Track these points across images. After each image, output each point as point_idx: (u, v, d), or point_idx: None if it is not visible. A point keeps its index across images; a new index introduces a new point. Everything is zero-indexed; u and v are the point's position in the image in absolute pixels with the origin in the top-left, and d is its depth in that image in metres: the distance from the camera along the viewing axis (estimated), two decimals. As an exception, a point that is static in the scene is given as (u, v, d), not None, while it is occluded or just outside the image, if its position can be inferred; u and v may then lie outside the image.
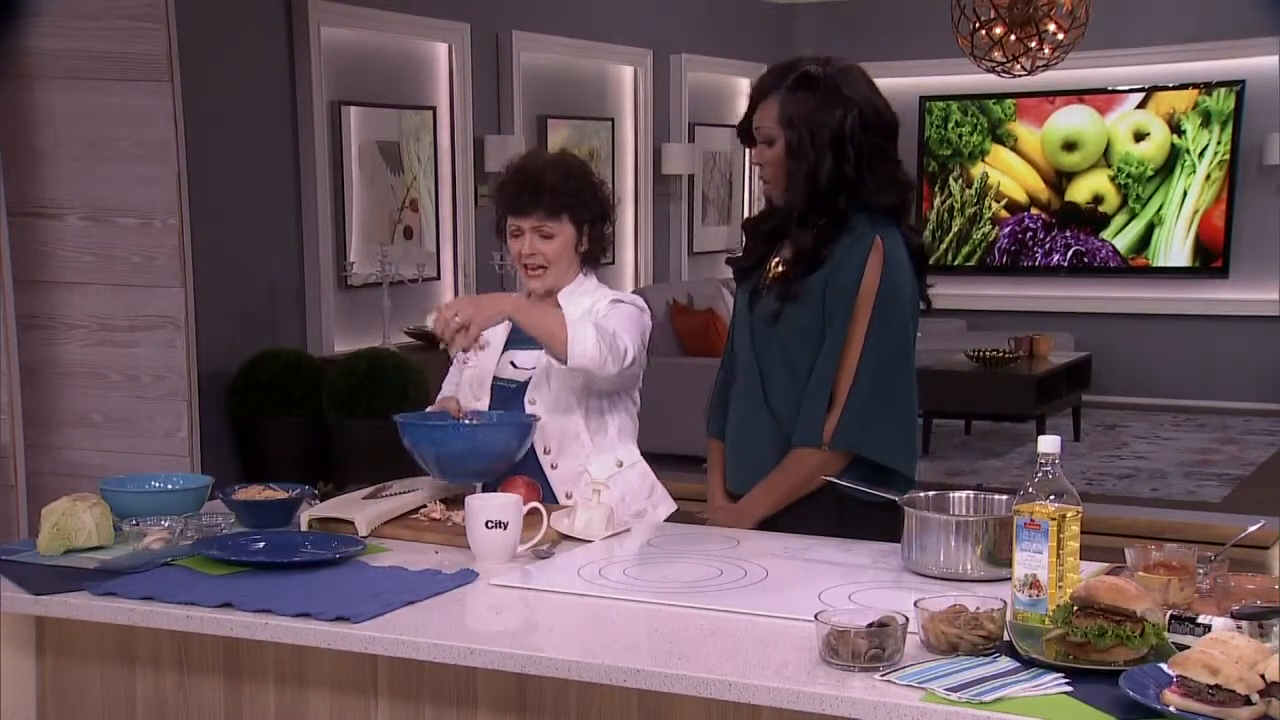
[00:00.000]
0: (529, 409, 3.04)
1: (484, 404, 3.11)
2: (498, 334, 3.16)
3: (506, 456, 2.91)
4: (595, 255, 3.13)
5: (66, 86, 4.56)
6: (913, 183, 2.98)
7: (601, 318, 3.00)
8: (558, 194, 3.02)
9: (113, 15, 4.49)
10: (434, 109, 7.65)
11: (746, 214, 10.37)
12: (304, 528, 2.80)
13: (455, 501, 2.88)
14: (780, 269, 2.92)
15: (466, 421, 3.00)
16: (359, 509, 2.79)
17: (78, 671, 2.61)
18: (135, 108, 4.53)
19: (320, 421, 6.23)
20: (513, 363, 3.11)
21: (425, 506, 2.87)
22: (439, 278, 7.71)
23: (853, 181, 2.82)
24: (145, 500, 2.87)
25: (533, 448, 3.03)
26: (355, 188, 7.14)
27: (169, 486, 2.97)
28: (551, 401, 3.03)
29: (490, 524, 2.58)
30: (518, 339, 3.12)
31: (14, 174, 4.54)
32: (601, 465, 3.03)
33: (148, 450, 4.57)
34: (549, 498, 2.99)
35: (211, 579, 2.48)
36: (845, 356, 2.82)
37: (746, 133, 2.95)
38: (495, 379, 3.12)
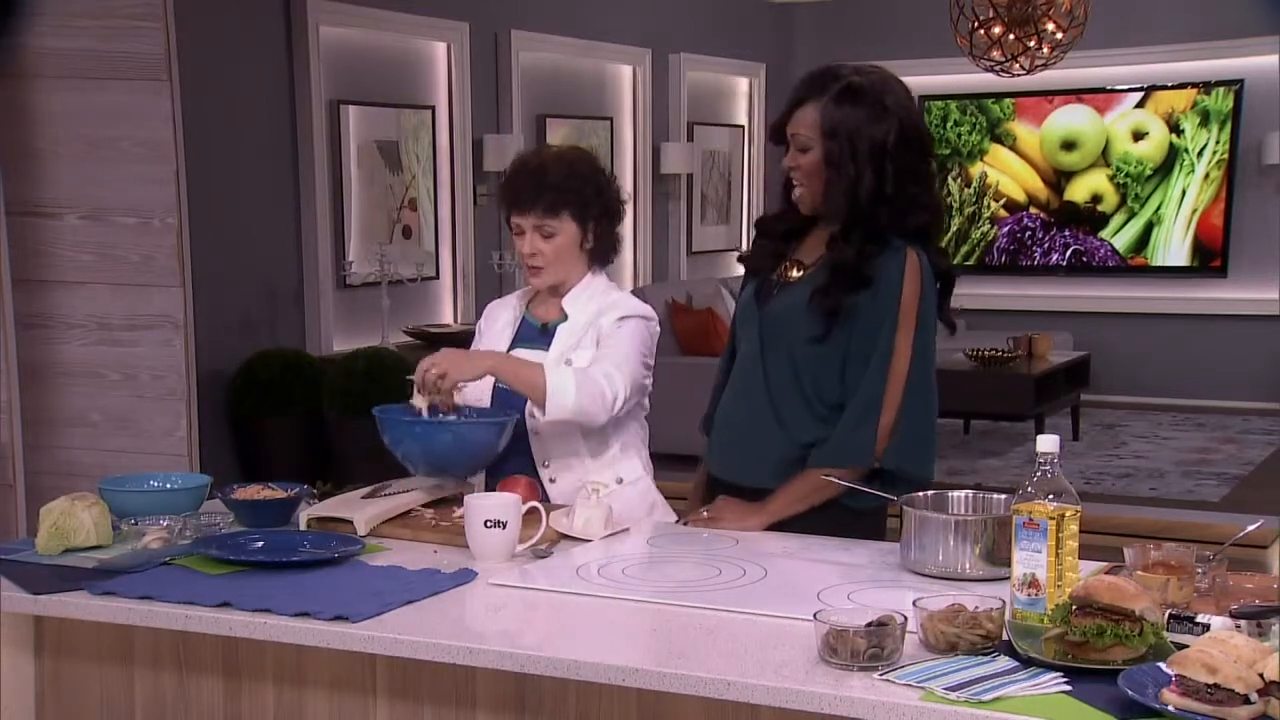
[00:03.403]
0: (529, 421, 3.00)
1: (484, 405, 3.08)
2: (505, 330, 3.14)
3: (488, 452, 2.91)
4: (604, 254, 3.08)
5: (65, 86, 4.55)
6: (943, 205, 2.94)
7: (603, 337, 2.97)
8: (558, 190, 2.96)
9: (111, 15, 4.49)
10: (433, 108, 7.65)
11: (746, 213, 10.42)
12: (303, 527, 2.80)
13: (443, 503, 2.90)
14: (797, 274, 2.89)
15: (449, 417, 2.93)
16: (358, 508, 2.79)
17: (77, 671, 2.61)
18: (134, 107, 4.52)
19: (319, 421, 6.23)
20: None
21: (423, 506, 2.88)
22: (438, 277, 7.71)
23: (891, 198, 2.79)
24: (144, 500, 2.87)
25: (532, 460, 3.02)
26: (354, 187, 7.14)
27: (168, 486, 2.97)
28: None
29: (489, 523, 2.58)
30: (526, 336, 3.10)
31: (13, 173, 4.54)
32: (601, 481, 2.98)
33: (146, 450, 4.57)
34: None
35: (210, 578, 2.48)
36: (893, 374, 2.79)
37: (779, 134, 2.90)
38: (498, 381, 3.09)
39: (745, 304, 2.99)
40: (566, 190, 2.98)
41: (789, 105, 2.88)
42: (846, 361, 2.81)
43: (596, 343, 2.99)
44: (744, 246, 9.95)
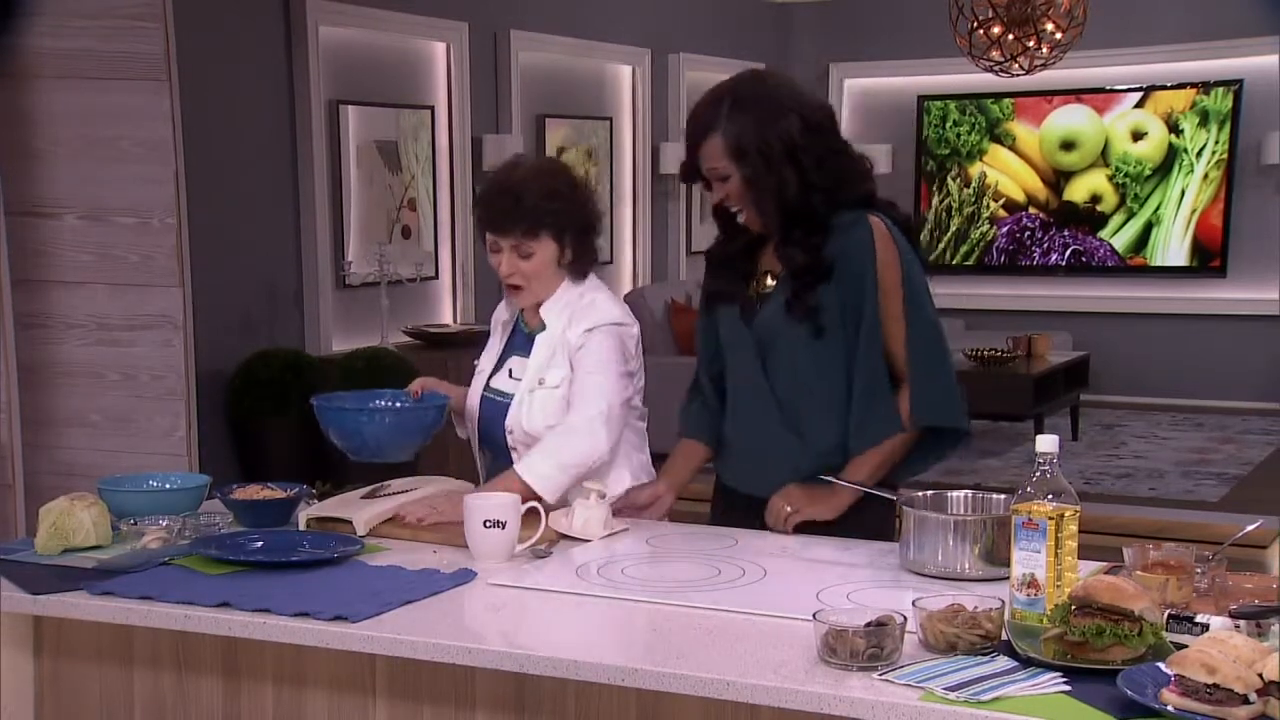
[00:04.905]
0: (508, 439, 2.99)
1: (473, 411, 3.08)
2: (497, 340, 3.14)
3: (414, 438, 2.99)
4: (582, 267, 3.02)
5: (65, 86, 4.55)
6: (871, 165, 2.93)
7: (574, 356, 2.94)
8: (536, 212, 2.91)
9: (111, 15, 4.49)
10: (432, 108, 7.65)
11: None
12: (301, 527, 2.80)
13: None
14: (772, 284, 2.88)
15: (383, 404, 3.07)
16: (356, 509, 2.80)
17: (76, 671, 2.61)
18: (133, 107, 4.52)
19: (318, 421, 6.22)
20: (510, 370, 3.07)
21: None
22: (437, 277, 7.71)
23: (818, 185, 2.79)
24: (143, 500, 2.87)
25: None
26: (353, 187, 7.13)
27: (167, 486, 2.97)
28: (528, 435, 2.96)
29: (488, 523, 2.58)
30: (518, 344, 3.09)
31: (12, 173, 4.54)
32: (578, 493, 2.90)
33: (146, 450, 4.57)
34: None
35: (209, 578, 2.48)
36: (892, 339, 2.81)
37: (692, 176, 2.89)
38: (488, 389, 3.08)
39: (730, 329, 2.94)
40: (545, 211, 2.92)
41: (690, 146, 2.86)
42: (853, 349, 2.81)
43: (569, 359, 2.96)
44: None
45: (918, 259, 2.88)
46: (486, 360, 3.14)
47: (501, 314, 3.18)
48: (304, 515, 2.82)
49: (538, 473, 2.83)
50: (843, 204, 2.82)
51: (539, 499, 2.77)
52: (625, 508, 2.93)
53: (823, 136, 2.81)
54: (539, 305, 3.03)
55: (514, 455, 2.98)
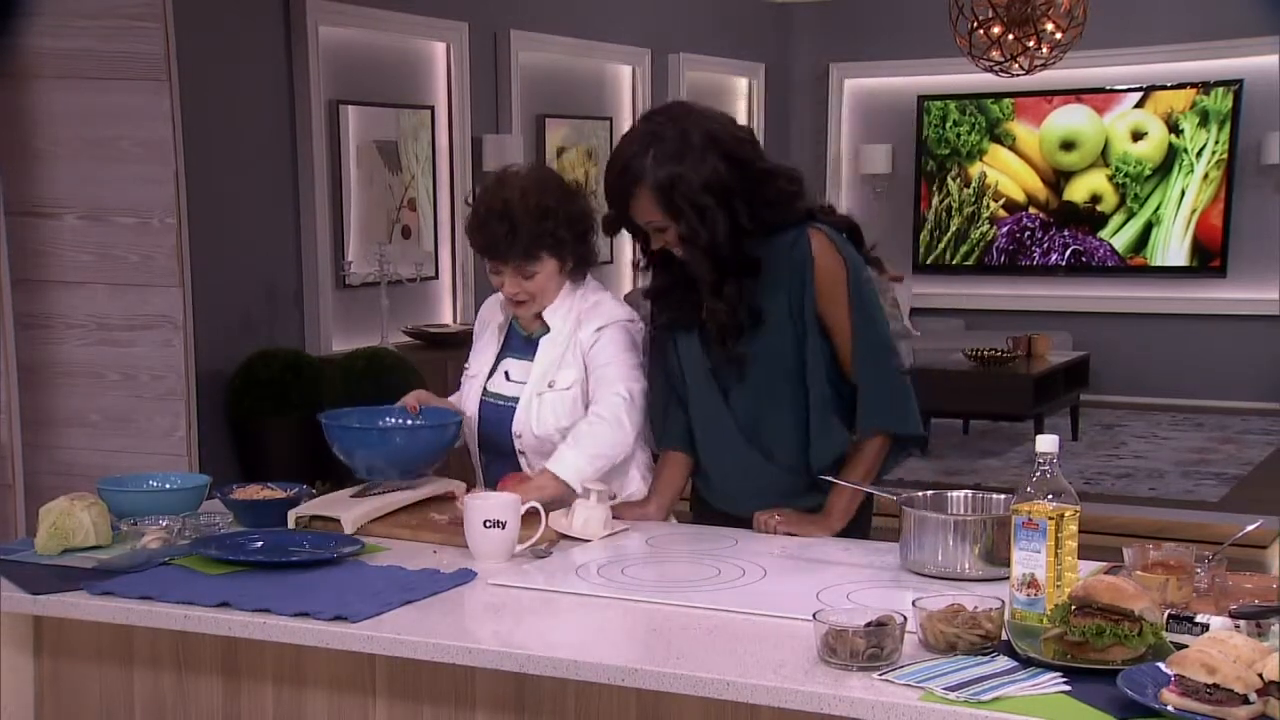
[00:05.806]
0: (516, 443, 2.99)
1: (472, 417, 3.07)
2: (495, 338, 3.14)
3: (430, 457, 2.93)
4: (583, 270, 3.03)
5: (64, 86, 4.55)
6: (801, 177, 2.89)
7: (588, 355, 2.95)
8: (532, 236, 2.90)
9: (111, 15, 4.49)
10: (432, 108, 7.65)
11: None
12: (290, 525, 2.80)
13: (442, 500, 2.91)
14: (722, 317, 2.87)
15: (392, 423, 3.00)
16: (345, 507, 2.80)
17: (76, 671, 2.61)
18: (133, 107, 4.52)
19: (318, 421, 6.21)
20: (506, 373, 3.07)
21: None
22: (437, 277, 7.71)
23: (750, 229, 2.76)
24: (143, 500, 2.87)
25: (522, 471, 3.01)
26: (353, 187, 7.13)
27: (167, 486, 2.97)
28: (538, 439, 2.96)
29: (488, 523, 2.58)
30: (515, 346, 3.08)
31: (12, 173, 4.54)
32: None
33: (146, 450, 4.57)
34: None
35: (209, 578, 2.48)
36: (843, 348, 2.81)
37: (619, 225, 2.87)
38: (486, 393, 3.07)
39: (688, 357, 2.93)
40: (541, 233, 2.91)
41: (620, 205, 2.83)
42: (803, 371, 2.82)
43: (582, 359, 2.97)
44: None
45: (864, 262, 2.86)
46: (480, 364, 3.12)
47: (494, 315, 3.15)
48: (292, 514, 2.82)
49: (571, 466, 2.83)
50: (778, 229, 2.80)
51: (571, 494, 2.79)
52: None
53: (748, 167, 2.78)
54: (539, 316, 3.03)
55: (521, 460, 2.98)
